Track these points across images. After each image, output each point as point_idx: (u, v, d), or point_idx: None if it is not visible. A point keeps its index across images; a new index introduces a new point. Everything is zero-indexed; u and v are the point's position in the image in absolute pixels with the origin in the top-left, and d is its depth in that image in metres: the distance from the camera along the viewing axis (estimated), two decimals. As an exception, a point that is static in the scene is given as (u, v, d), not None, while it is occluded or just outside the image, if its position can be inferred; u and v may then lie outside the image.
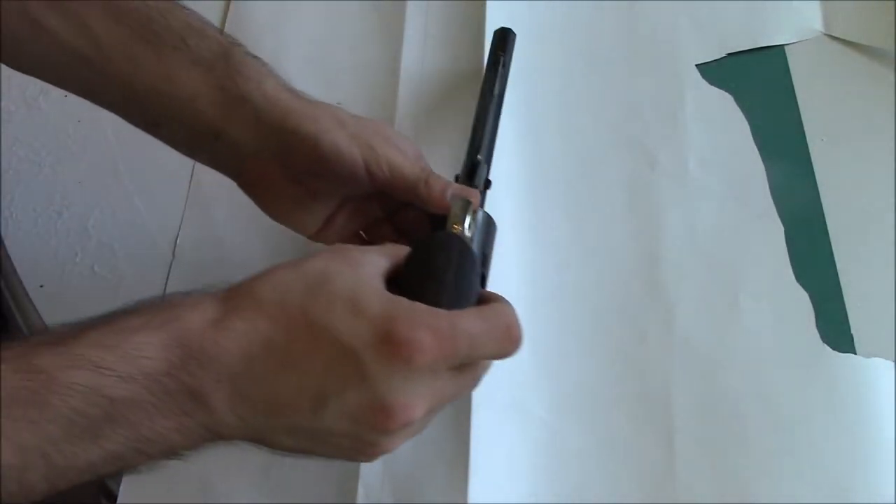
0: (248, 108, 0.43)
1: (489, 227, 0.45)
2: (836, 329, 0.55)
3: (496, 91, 0.56)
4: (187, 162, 0.58)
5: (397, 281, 0.37)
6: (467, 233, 0.41)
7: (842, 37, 0.68)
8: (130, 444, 0.31)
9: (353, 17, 0.66)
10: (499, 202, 0.55)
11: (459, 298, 0.37)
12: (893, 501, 0.50)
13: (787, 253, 0.58)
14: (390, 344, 0.32)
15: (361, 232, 0.50)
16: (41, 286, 0.53)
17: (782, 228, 0.59)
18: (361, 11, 0.66)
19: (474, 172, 0.49)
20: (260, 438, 0.35)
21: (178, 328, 0.31)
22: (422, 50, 0.65)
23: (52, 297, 0.53)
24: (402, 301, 0.34)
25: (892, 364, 0.54)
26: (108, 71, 0.42)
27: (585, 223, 0.58)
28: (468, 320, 0.35)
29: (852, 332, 0.55)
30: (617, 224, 0.58)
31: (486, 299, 0.38)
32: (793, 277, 0.57)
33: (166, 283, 0.54)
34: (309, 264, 0.35)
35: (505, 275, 0.52)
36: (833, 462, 0.51)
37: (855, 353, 0.54)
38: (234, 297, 0.34)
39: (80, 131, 0.60)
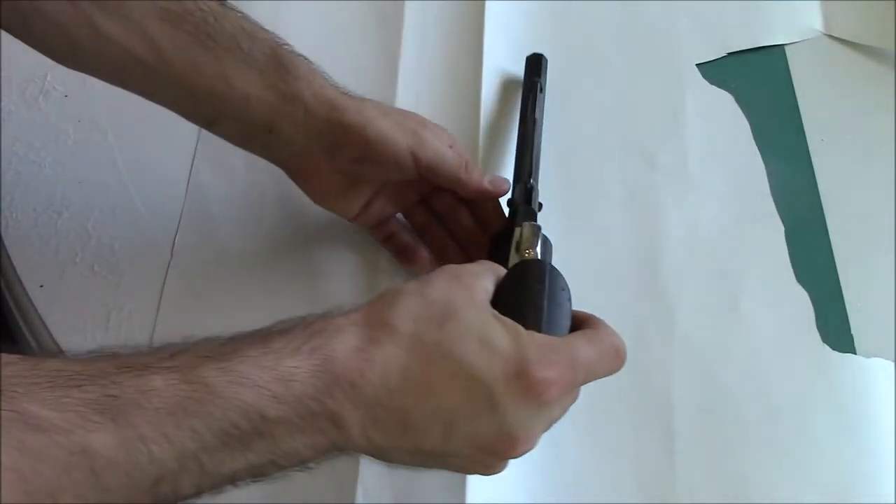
0: (299, 105, 0.46)
1: (549, 247, 0.48)
2: (836, 329, 0.55)
3: (537, 115, 0.58)
4: (187, 162, 0.58)
5: (497, 303, 0.39)
6: (538, 255, 0.45)
7: (842, 37, 0.68)
8: (270, 456, 0.33)
9: (352, 17, 0.66)
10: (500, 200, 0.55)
11: (557, 321, 0.40)
12: (893, 502, 0.50)
13: (787, 253, 0.58)
14: (524, 381, 0.35)
15: (399, 215, 0.54)
16: (41, 286, 0.53)
17: (782, 228, 0.59)
18: (360, 11, 0.66)
19: (531, 196, 0.52)
20: (381, 455, 0.37)
21: (325, 356, 0.34)
22: (421, 50, 0.65)
23: (52, 297, 0.53)
24: (526, 336, 0.37)
25: (892, 364, 0.54)
26: (167, 73, 0.45)
27: (585, 222, 0.58)
28: (584, 349, 0.38)
29: (852, 332, 0.55)
30: (617, 223, 0.58)
31: (585, 320, 0.41)
32: (793, 277, 0.57)
33: (164, 283, 0.54)
34: (434, 293, 0.37)
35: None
36: (833, 462, 0.51)
37: (855, 353, 0.54)
38: (373, 325, 0.36)
39: (80, 131, 0.60)
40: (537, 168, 0.55)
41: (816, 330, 0.55)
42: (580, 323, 0.41)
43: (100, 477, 0.29)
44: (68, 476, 0.29)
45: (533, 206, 0.52)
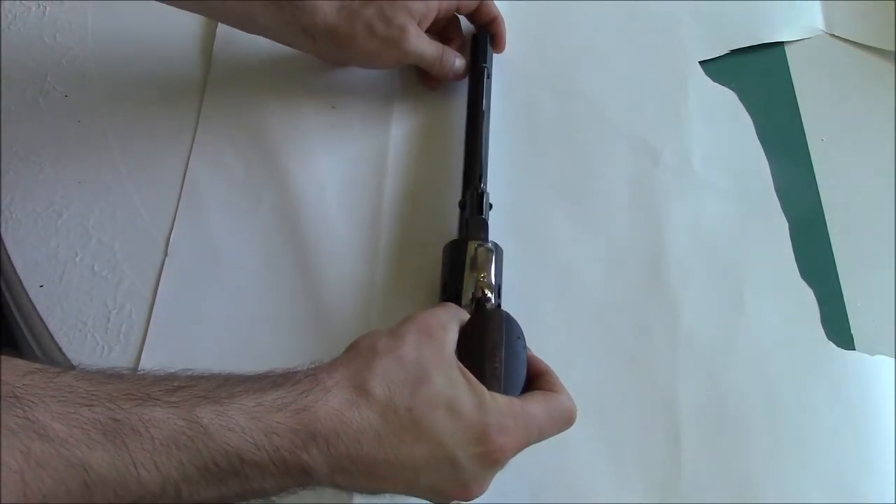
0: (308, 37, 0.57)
1: (501, 254, 0.51)
2: (840, 326, 0.55)
3: (485, 107, 0.58)
4: (186, 161, 0.58)
5: (461, 350, 0.43)
6: (492, 279, 0.49)
7: (842, 36, 0.68)
8: (240, 491, 0.37)
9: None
10: (501, 200, 0.55)
11: (514, 371, 0.44)
12: (894, 501, 0.50)
13: (791, 250, 0.58)
14: (483, 446, 0.40)
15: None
16: (41, 286, 0.53)
17: (787, 225, 0.59)
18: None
19: (482, 203, 0.53)
20: (344, 489, 0.40)
21: (309, 418, 0.37)
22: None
23: (52, 297, 0.53)
24: (489, 401, 0.41)
25: (893, 361, 0.54)
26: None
27: (589, 220, 0.58)
28: (540, 416, 0.42)
29: (852, 330, 0.55)
30: (620, 220, 0.58)
31: (541, 374, 0.45)
32: (798, 274, 0.57)
33: (157, 282, 0.53)
34: (407, 353, 0.41)
35: (509, 273, 0.52)
36: (838, 460, 0.51)
37: (856, 351, 0.54)
38: (353, 387, 0.39)
39: (80, 131, 0.59)
40: (486, 166, 0.56)
41: (821, 327, 0.55)
42: (537, 375, 0.45)
43: (90, 490, 0.32)
44: (63, 485, 0.32)
45: (484, 213, 0.53)
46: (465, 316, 0.45)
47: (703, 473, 0.50)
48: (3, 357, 0.34)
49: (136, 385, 0.36)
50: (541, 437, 0.43)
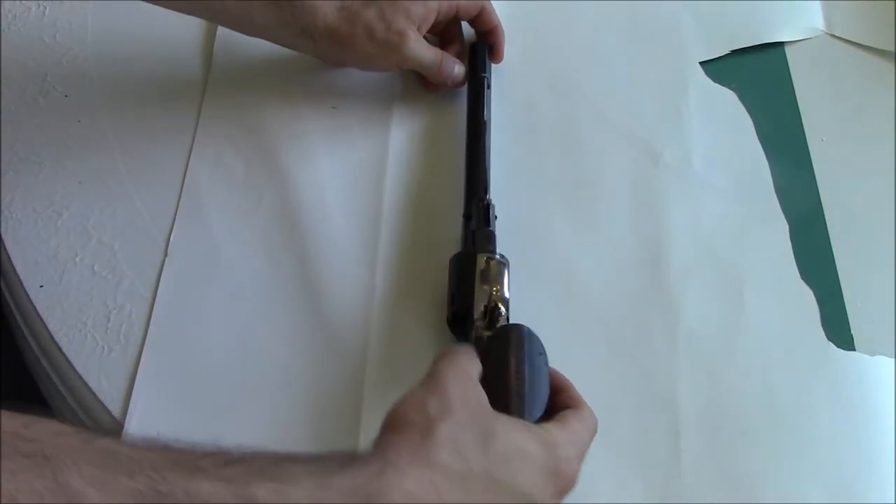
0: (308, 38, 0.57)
1: (508, 267, 0.51)
2: (840, 327, 0.55)
3: (486, 117, 0.58)
4: (186, 161, 0.58)
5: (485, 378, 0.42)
6: (505, 292, 0.49)
7: (842, 36, 0.68)
8: None
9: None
10: (501, 200, 0.55)
11: (538, 389, 0.44)
12: (894, 501, 0.50)
13: (791, 251, 0.58)
14: (559, 481, 0.40)
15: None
16: (41, 286, 0.53)
17: (787, 225, 0.59)
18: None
19: (489, 215, 0.53)
20: None
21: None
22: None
23: (52, 297, 0.53)
24: (548, 438, 0.40)
25: (893, 361, 0.54)
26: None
27: (588, 220, 0.58)
28: (584, 435, 0.43)
29: (852, 330, 0.55)
30: (620, 220, 0.58)
31: (562, 389, 0.45)
32: (798, 275, 0.57)
33: (157, 282, 0.53)
34: (460, 411, 0.38)
35: (510, 273, 0.52)
36: (838, 460, 0.51)
37: (856, 351, 0.54)
38: (425, 465, 0.36)
39: (80, 131, 0.59)
40: (488, 177, 0.56)
41: (821, 328, 0.55)
42: (559, 390, 0.45)
43: None
44: None
45: (491, 225, 0.53)
46: (477, 362, 0.43)
47: (702, 473, 0.50)
48: (33, 417, 0.31)
49: (184, 455, 0.32)
50: (588, 450, 0.43)
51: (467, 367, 0.42)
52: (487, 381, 0.42)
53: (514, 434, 0.39)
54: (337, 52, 0.58)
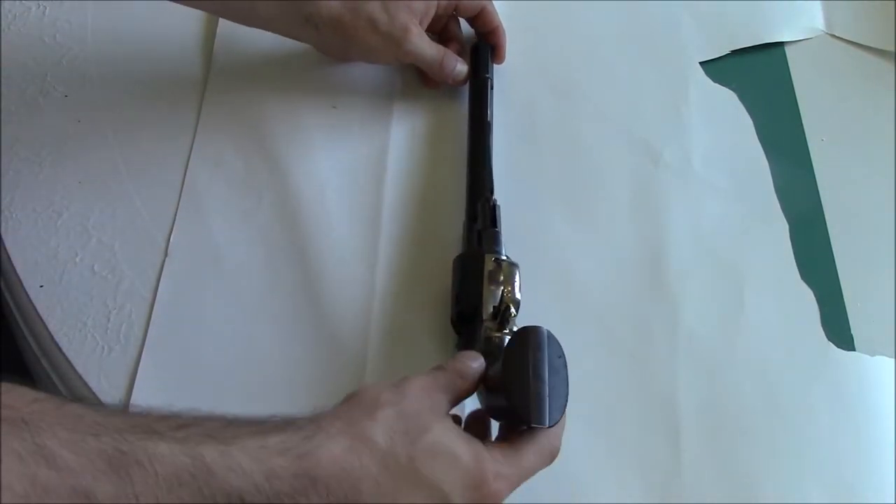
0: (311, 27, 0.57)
1: (519, 272, 0.50)
2: (840, 327, 0.55)
3: (489, 118, 0.58)
4: (186, 161, 0.58)
5: (505, 373, 0.43)
6: (516, 294, 0.49)
7: (842, 36, 0.68)
8: None
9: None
10: (501, 200, 0.55)
11: (557, 394, 0.43)
12: (894, 501, 0.50)
13: (791, 251, 0.58)
14: (478, 492, 0.40)
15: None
16: (41, 286, 0.53)
17: (787, 225, 0.59)
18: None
19: (495, 215, 0.53)
20: None
21: (310, 463, 0.38)
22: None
23: (52, 297, 0.53)
24: (484, 451, 0.41)
25: (893, 361, 0.54)
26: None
27: (589, 220, 0.58)
28: (531, 458, 0.43)
29: (852, 330, 0.55)
30: (620, 220, 0.58)
31: None
32: (798, 275, 0.57)
33: (158, 282, 0.53)
34: (408, 405, 0.41)
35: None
36: (838, 460, 0.51)
37: (856, 351, 0.54)
38: (355, 436, 0.40)
39: (80, 131, 0.59)
40: (491, 177, 0.56)
41: (821, 328, 0.55)
42: None
43: None
44: None
45: (497, 226, 0.53)
46: (464, 386, 0.44)
47: (702, 473, 0.50)
48: (9, 384, 0.34)
49: (142, 419, 0.36)
50: (530, 475, 0.43)
51: (442, 381, 0.43)
52: (506, 383, 0.42)
53: (449, 435, 0.41)
54: (340, 42, 0.58)
